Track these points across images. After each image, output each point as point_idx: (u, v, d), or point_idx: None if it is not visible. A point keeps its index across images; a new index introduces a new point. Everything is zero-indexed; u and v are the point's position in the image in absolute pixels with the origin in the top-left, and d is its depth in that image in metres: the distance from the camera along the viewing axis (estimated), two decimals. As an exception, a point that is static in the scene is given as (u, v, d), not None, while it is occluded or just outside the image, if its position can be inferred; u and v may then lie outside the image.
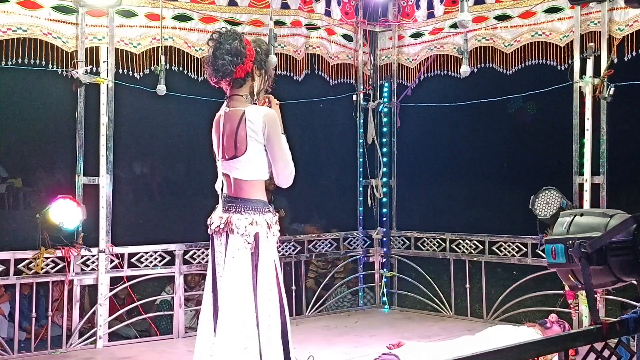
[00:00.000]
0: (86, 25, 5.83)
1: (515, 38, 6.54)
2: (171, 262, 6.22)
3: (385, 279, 7.47)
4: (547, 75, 6.48)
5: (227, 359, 3.45)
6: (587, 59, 5.91)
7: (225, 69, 3.53)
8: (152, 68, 6.10)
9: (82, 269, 5.84)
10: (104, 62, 5.92)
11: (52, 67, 5.71)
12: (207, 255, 6.11)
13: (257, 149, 3.53)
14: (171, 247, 6.24)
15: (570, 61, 6.12)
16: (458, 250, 6.99)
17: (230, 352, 3.46)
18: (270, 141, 3.52)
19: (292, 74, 6.86)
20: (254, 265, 3.51)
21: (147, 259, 6.11)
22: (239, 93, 3.61)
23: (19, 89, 10.40)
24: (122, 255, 6.00)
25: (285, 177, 3.60)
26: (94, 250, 5.87)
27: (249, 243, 3.51)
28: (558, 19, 6.27)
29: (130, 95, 6.58)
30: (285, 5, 6.81)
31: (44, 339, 5.89)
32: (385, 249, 7.51)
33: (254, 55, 3.58)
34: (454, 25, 6.83)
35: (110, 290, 5.96)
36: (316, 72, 7.15)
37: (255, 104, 3.64)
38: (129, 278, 6.07)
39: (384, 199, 7.54)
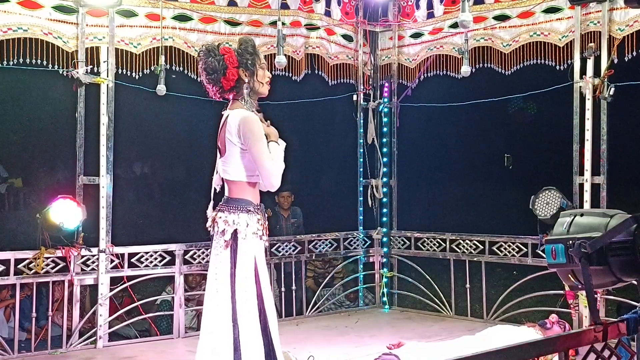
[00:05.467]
0: (86, 25, 5.84)
1: (513, 38, 6.54)
2: (171, 262, 6.22)
3: (385, 279, 7.47)
4: (546, 76, 6.48)
5: (203, 351, 3.60)
6: (588, 59, 5.91)
7: (214, 88, 3.68)
8: (152, 68, 6.11)
9: (82, 269, 5.84)
10: (104, 62, 5.92)
11: (52, 67, 5.71)
12: (207, 255, 6.12)
13: (234, 151, 3.61)
14: (171, 247, 6.24)
15: (569, 61, 6.12)
16: (458, 250, 6.99)
17: (208, 345, 3.58)
18: (247, 144, 3.56)
19: (291, 74, 6.86)
20: (233, 262, 3.59)
21: (147, 259, 6.11)
22: (236, 97, 3.71)
23: (19, 89, 10.40)
24: (122, 255, 6.00)
25: (263, 180, 3.60)
26: (94, 250, 5.87)
27: (225, 241, 3.60)
28: (557, 19, 6.27)
29: (130, 95, 6.58)
30: (284, 6, 6.80)
31: (44, 339, 5.89)
32: (385, 249, 7.51)
33: (237, 60, 3.63)
34: (454, 25, 6.84)
35: (110, 290, 5.96)
36: (316, 72, 7.15)
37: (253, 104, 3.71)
38: (129, 278, 6.07)
39: (384, 199, 7.54)
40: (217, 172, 3.77)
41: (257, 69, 3.69)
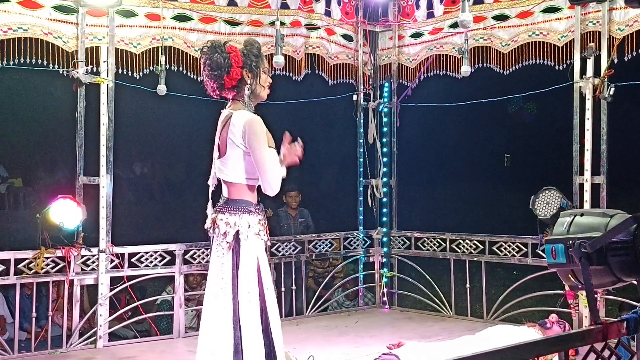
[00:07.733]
0: (86, 25, 5.83)
1: (512, 38, 6.54)
2: (171, 262, 6.21)
3: (385, 279, 7.47)
4: (545, 75, 6.48)
5: (202, 354, 3.60)
6: (587, 59, 5.91)
7: (215, 85, 3.65)
8: (152, 68, 6.11)
9: (82, 269, 5.84)
10: (104, 62, 5.91)
11: (52, 67, 5.70)
12: (207, 255, 6.12)
13: (235, 153, 3.58)
14: (171, 247, 6.24)
15: (568, 61, 6.12)
16: (458, 250, 6.99)
17: (207, 347, 3.58)
18: (250, 147, 3.55)
19: (291, 74, 6.86)
20: (235, 264, 3.57)
21: (147, 259, 6.11)
22: (237, 97, 3.69)
23: (19, 89, 10.42)
24: (122, 255, 6.00)
25: (264, 183, 3.59)
26: (94, 250, 5.87)
27: (227, 243, 3.58)
28: (556, 19, 6.27)
29: (130, 95, 6.58)
30: (284, 6, 6.80)
31: (44, 339, 5.88)
32: (385, 249, 7.51)
33: (242, 60, 3.62)
34: (454, 25, 6.84)
35: (110, 290, 5.96)
36: (316, 72, 7.14)
37: (251, 104, 3.69)
38: (129, 278, 6.07)
39: (384, 199, 7.54)
40: (213, 171, 3.76)
41: (260, 72, 3.68)
